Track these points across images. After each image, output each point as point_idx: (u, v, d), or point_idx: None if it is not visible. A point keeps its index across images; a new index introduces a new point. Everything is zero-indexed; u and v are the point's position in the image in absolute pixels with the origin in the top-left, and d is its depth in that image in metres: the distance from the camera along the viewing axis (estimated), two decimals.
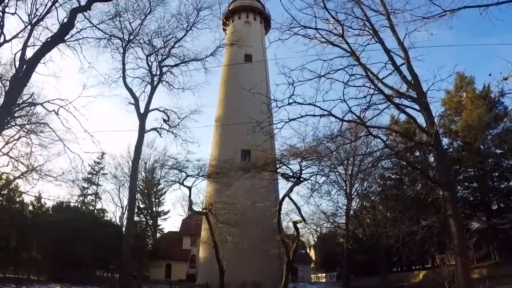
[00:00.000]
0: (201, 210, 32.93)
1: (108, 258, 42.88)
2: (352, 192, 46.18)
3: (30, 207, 42.29)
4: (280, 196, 32.29)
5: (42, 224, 38.63)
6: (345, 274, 48.16)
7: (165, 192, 63.25)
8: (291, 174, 29.16)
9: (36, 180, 34.35)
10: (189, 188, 31.92)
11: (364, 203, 48.36)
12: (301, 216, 29.32)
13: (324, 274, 65.14)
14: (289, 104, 19.85)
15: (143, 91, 39.76)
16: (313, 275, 65.35)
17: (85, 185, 60.76)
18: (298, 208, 29.48)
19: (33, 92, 32.35)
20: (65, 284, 34.73)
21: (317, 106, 19.72)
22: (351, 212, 46.56)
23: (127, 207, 39.15)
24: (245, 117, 35.90)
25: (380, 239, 43.66)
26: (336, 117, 20.03)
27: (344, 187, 46.34)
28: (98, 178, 61.73)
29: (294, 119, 20.16)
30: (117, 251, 36.31)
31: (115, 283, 37.20)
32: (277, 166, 29.48)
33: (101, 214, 58.34)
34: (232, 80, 43.67)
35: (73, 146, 34.95)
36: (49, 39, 22.46)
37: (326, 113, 19.80)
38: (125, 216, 48.66)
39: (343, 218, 47.35)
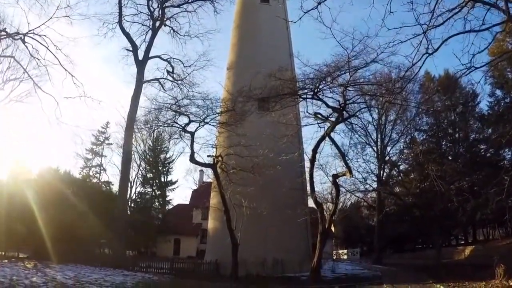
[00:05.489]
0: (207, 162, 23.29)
1: (104, 232, 33.86)
2: (386, 154, 36.60)
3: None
4: (307, 148, 22.81)
5: (23, 190, 29.81)
6: (378, 248, 38.35)
7: (173, 160, 53.61)
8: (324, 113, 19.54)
9: None
10: (192, 134, 22.27)
11: (398, 168, 38.88)
12: (347, 165, 19.49)
13: (345, 251, 55.73)
14: None
15: (144, 40, 31.67)
16: (334, 252, 56.06)
17: (89, 156, 51.88)
18: (343, 154, 19.77)
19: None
20: (45, 262, 25.83)
21: None
22: (384, 177, 36.95)
23: (121, 165, 30.31)
24: (261, 63, 26.51)
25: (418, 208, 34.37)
26: None
27: (376, 149, 36.74)
28: (103, 149, 52.54)
29: None
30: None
31: (106, 260, 28.14)
32: (309, 95, 19.71)
33: (107, 187, 49.72)
34: (246, 23, 33.82)
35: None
36: None
37: None
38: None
39: (372, 187, 37.61)
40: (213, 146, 22.68)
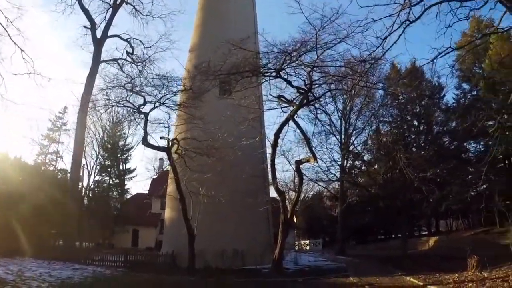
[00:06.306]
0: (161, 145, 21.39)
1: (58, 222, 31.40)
2: (350, 143, 35.65)
3: None
4: (269, 134, 21.29)
5: None
6: (341, 239, 37.42)
7: (132, 147, 50.86)
8: (288, 97, 17.97)
9: None
10: (146, 115, 20.38)
11: (362, 158, 37.96)
12: (311, 150, 18.06)
13: (307, 241, 54.77)
14: None
15: (104, 19, 30.05)
16: (296, 242, 55.02)
17: (45, 142, 48.59)
18: (307, 139, 18.32)
19: None
20: None
21: None
22: (347, 167, 36.08)
23: (73, 147, 28.19)
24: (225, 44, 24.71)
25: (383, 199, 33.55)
26: None
27: (340, 138, 35.74)
28: (60, 135, 49.27)
29: None
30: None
31: (58, 253, 25.88)
32: (272, 74, 18.02)
33: (63, 175, 46.68)
34: (211, 5, 31.96)
35: None
36: None
37: None
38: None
39: (336, 176, 36.60)
40: (165, 125, 20.72)
